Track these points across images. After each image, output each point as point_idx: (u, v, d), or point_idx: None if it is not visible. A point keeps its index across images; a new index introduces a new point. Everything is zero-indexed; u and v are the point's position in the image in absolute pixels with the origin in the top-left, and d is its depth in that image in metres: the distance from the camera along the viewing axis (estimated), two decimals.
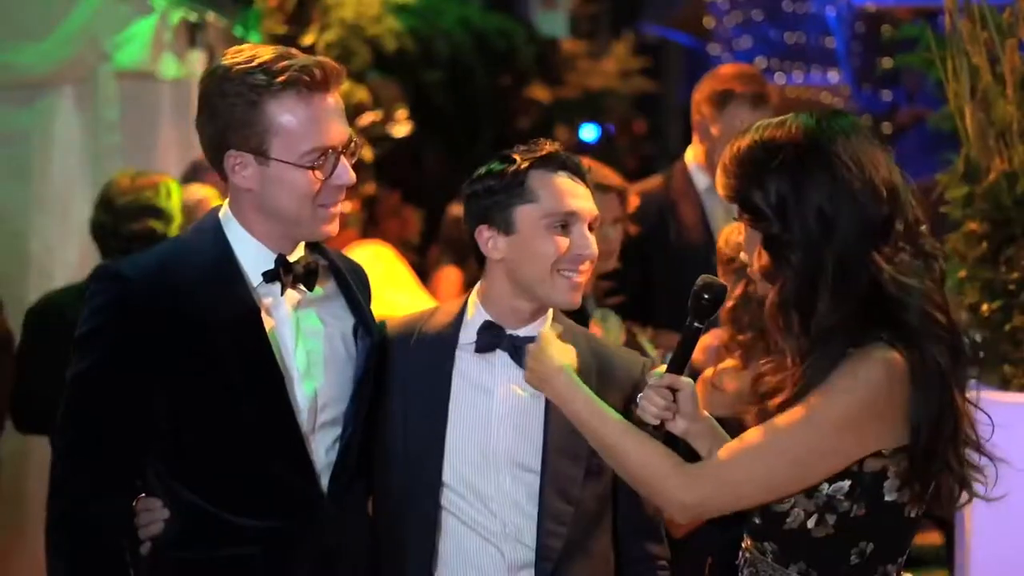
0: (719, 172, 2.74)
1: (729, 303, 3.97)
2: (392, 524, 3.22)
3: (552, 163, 3.24)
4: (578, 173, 3.26)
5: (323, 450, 3.01)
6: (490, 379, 3.24)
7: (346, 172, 2.93)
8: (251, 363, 2.91)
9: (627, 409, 3.14)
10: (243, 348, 2.90)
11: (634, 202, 4.74)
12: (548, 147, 3.27)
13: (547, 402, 3.20)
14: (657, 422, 2.84)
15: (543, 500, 3.17)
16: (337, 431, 3.04)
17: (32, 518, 5.40)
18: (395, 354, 3.26)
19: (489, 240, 3.25)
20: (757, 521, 2.70)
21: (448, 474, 3.19)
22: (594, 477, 3.20)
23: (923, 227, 2.68)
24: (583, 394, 2.86)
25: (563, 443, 3.19)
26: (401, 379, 3.24)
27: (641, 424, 2.84)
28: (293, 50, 2.95)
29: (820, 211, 2.59)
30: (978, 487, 2.69)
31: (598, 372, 3.26)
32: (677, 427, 2.88)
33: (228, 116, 2.86)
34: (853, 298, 2.58)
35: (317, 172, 2.89)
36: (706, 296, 2.85)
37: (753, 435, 2.63)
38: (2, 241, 5.64)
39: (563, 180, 3.24)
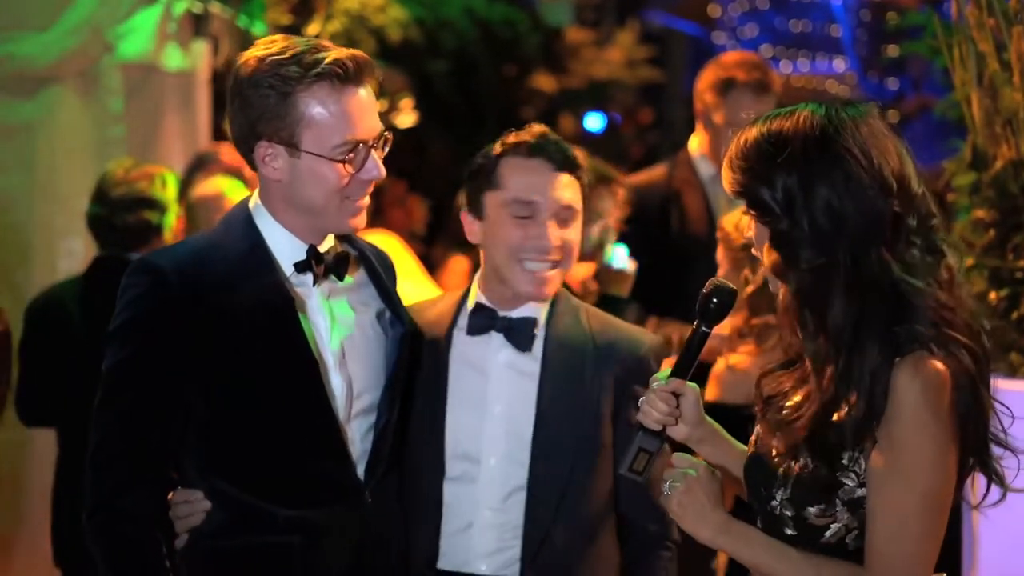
0: (724, 166, 2.64)
1: (750, 288, 3.96)
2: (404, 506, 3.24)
3: (523, 150, 3.23)
4: (552, 159, 3.23)
5: (359, 438, 3.03)
6: (484, 360, 3.27)
7: (376, 167, 2.94)
8: (286, 353, 2.92)
9: (627, 385, 3.20)
10: (278, 338, 2.91)
11: (622, 195, 4.72)
12: (528, 134, 3.25)
13: (541, 380, 3.24)
14: (659, 427, 2.80)
15: (533, 467, 3.19)
16: (371, 419, 3.05)
17: (32, 507, 5.41)
18: None
19: (469, 224, 3.31)
20: (791, 532, 2.61)
21: (448, 453, 3.22)
22: (590, 446, 3.20)
23: (935, 221, 2.58)
24: (757, 538, 2.66)
25: (554, 413, 3.22)
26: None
27: (641, 428, 2.80)
28: (326, 42, 2.94)
29: (829, 206, 2.49)
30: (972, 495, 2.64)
31: (595, 347, 3.28)
32: (679, 433, 2.83)
33: (260, 107, 2.86)
34: (869, 295, 2.50)
35: (347, 166, 2.89)
36: (715, 300, 2.78)
37: (886, 518, 2.49)
38: (6, 232, 5.64)
39: (534, 167, 3.22)
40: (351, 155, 2.88)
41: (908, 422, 2.45)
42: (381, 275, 3.13)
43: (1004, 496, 2.63)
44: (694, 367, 2.83)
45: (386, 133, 2.97)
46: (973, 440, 2.53)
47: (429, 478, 3.22)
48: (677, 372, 2.82)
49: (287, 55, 2.86)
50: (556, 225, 3.23)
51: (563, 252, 3.24)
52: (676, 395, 2.81)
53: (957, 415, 2.48)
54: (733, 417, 4.08)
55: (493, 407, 3.24)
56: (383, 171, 2.95)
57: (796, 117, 2.57)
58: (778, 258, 2.57)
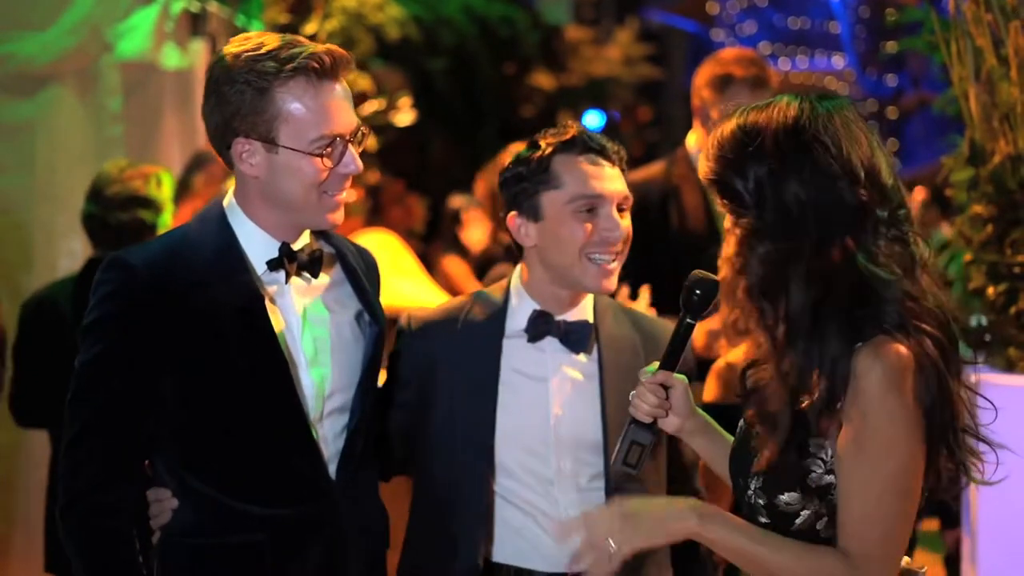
0: (702, 156, 2.68)
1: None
2: (440, 512, 3.26)
3: (575, 146, 3.26)
4: (604, 154, 3.28)
5: (331, 437, 3.02)
6: (542, 367, 3.27)
7: (353, 160, 2.93)
8: (256, 351, 2.92)
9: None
10: (248, 336, 2.91)
11: None
12: (572, 131, 3.29)
13: (601, 382, 3.25)
14: (650, 420, 2.82)
15: (609, 480, 3.20)
16: (345, 418, 3.05)
17: (27, 507, 5.42)
18: (439, 341, 3.31)
19: (520, 227, 3.29)
20: (765, 521, 2.64)
21: (506, 462, 3.23)
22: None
23: (904, 211, 2.61)
24: (735, 521, 2.62)
25: (620, 410, 3.21)
26: (447, 368, 3.28)
27: (633, 421, 2.82)
28: (300, 37, 2.94)
29: (796, 197, 2.53)
30: (978, 473, 2.64)
31: (644, 344, 3.31)
32: (670, 425, 2.87)
33: (236, 103, 2.85)
34: (832, 284, 2.52)
35: (325, 160, 2.89)
36: (697, 292, 2.83)
37: (857, 501, 2.51)
38: (5, 232, 5.65)
39: (587, 163, 3.25)
40: (329, 149, 2.89)
41: (871, 405, 2.48)
42: (359, 274, 3.13)
43: (967, 484, 2.64)
44: (681, 358, 2.86)
45: (362, 128, 2.97)
46: (939, 428, 2.54)
47: (475, 482, 3.23)
48: (665, 364, 2.85)
49: (263, 51, 2.86)
50: (619, 216, 3.27)
51: (625, 242, 3.28)
52: (665, 387, 2.84)
53: (920, 400, 2.50)
54: (736, 416, 4.06)
55: (555, 410, 3.24)
56: (360, 165, 2.95)
57: (771, 109, 2.61)
58: (739, 247, 2.61)
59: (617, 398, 3.22)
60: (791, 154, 2.55)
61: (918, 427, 2.51)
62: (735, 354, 4.21)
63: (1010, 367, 4.08)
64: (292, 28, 7.39)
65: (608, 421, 3.22)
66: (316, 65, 2.85)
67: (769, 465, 2.59)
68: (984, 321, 4.13)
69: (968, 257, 4.18)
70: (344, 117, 2.91)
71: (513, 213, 3.29)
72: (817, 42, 19.42)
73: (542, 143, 3.28)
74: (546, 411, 3.24)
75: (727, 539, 2.58)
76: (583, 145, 3.26)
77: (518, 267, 3.38)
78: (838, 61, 19.39)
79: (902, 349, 2.49)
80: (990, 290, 4.13)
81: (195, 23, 6.88)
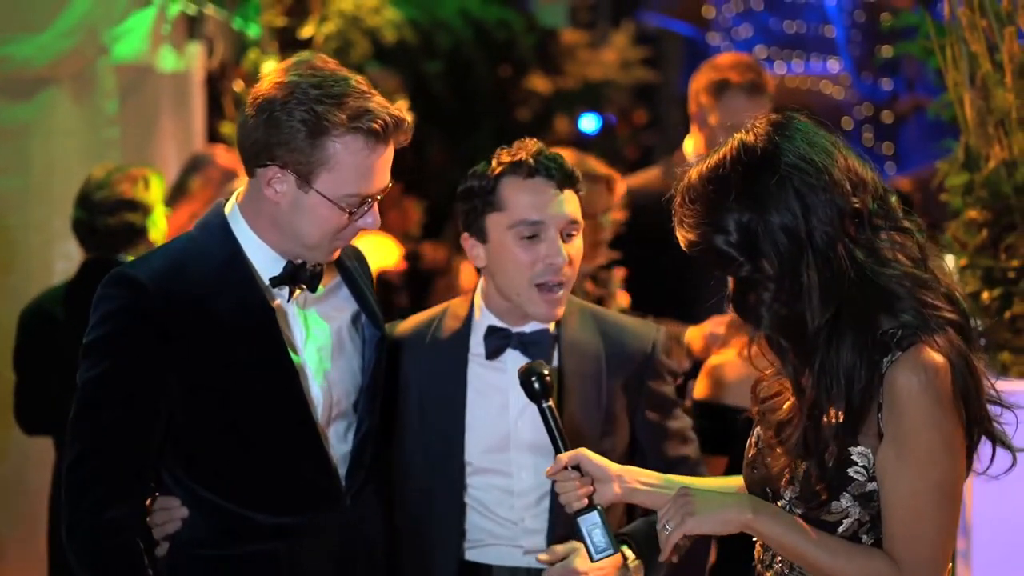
0: (676, 225, 2.60)
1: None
2: (416, 523, 3.26)
3: (522, 168, 3.19)
4: (552, 177, 3.19)
5: (337, 442, 3.02)
6: (503, 378, 3.25)
7: (373, 218, 2.91)
8: (265, 363, 2.91)
9: (641, 382, 3.25)
10: (257, 348, 2.90)
11: (621, 190, 4.75)
12: (523, 152, 3.20)
13: (560, 390, 3.21)
14: (585, 503, 2.81)
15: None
16: (347, 422, 3.05)
17: (28, 509, 5.41)
18: (409, 358, 3.29)
19: (471, 248, 3.26)
20: None
21: (468, 472, 3.23)
22: (611, 448, 3.20)
23: (893, 199, 2.57)
24: (779, 519, 2.58)
25: (578, 419, 3.22)
26: (417, 384, 3.27)
27: (575, 515, 2.82)
28: (366, 84, 2.88)
29: (786, 226, 2.47)
30: (978, 465, 2.64)
31: (608, 353, 3.28)
32: (606, 496, 2.83)
33: (287, 135, 2.79)
34: (844, 297, 2.49)
35: (350, 215, 2.87)
36: (534, 379, 2.88)
37: (904, 510, 2.50)
38: (2, 234, 5.65)
39: (535, 187, 3.18)
40: (356, 207, 2.87)
41: (914, 417, 2.46)
42: (354, 276, 3.11)
43: (1015, 462, 2.62)
44: (564, 436, 2.88)
45: (391, 185, 2.94)
46: (976, 412, 2.54)
47: (448, 497, 3.23)
48: (557, 450, 2.87)
49: (330, 92, 2.80)
50: (563, 241, 3.20)
51: (572, 268, 3.21)
52: (573, 467, 2.83)
53: (959, 397, 2.50)
54: (724, 414, 4.05)
55: (515, 421, 3.23)
56: (379, 221, 2.94)
57: (727, 150, 2.55)
58: (744, 301, 2.56)
59: (577, 405, 3.21)
60: (768, 187, 2.48)
61: (958, 431, 2.50)
62: (725, 355, 4.22)
63: (1004, 372, 4.09)
64: (289, 31, 7.39)
65: (567, 425, 3.20)
66: (378, 128, 2.81)
67: (808, 475, 2.56)
68: (979, 326, 4.14)
69: (963, 262, 4.19)
70: (381, 180, 2.88)
71: (465, 233, 3.26)
72: (813, 46, 19.40)
73: (494, 161, 3.22)
74: (505, 421, 3.23)
75: (780, 534, 2.56)
76: (529, 168, 3.18)
77: (480, 279, 3.34)
78: (833, 65, 19.37)
79: (936, 356, 2.47)
80: (984, 295, 4.13)
81: (192, 26, 6.89)
